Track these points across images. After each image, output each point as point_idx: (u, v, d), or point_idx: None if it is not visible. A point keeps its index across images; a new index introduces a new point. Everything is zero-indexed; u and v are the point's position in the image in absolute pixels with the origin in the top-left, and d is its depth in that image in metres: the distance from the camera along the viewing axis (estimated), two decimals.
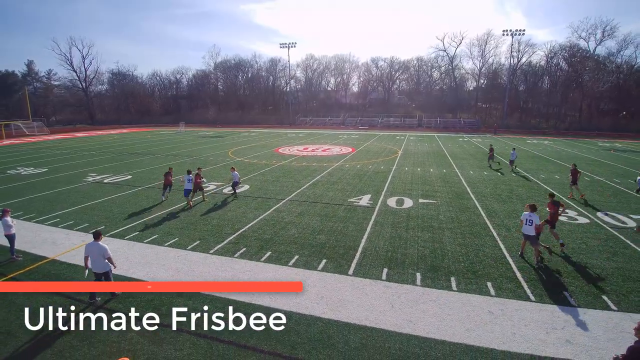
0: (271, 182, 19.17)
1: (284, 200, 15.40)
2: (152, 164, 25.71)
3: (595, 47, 73.45)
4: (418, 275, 8.89)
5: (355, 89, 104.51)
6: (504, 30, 68.70)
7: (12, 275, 9.09)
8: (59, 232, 11.90)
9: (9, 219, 9.69)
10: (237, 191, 16.16)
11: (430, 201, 15.41)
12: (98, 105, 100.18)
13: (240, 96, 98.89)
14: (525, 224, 9.49)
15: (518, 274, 9.03)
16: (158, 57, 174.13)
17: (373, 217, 13.09)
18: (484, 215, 13.65)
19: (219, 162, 25.91)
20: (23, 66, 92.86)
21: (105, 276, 7.66)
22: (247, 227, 12.18)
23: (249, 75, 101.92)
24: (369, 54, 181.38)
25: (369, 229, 11.95)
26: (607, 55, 73.02)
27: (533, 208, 9.57)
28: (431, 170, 22.78)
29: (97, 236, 7.76)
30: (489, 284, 8.51)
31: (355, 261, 9.61)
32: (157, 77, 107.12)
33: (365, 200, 15.47)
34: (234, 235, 11.40)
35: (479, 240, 11.15)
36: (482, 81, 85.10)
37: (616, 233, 11.79)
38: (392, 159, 27.84)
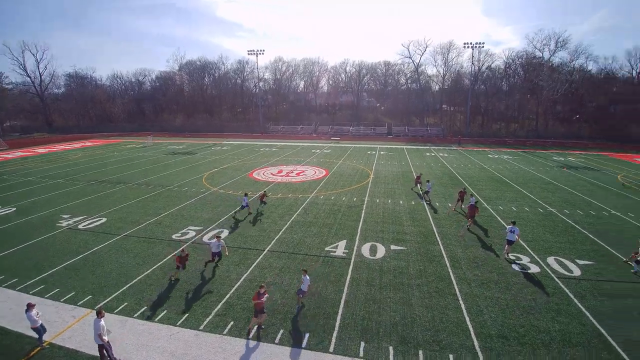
0: (250, 223, 19.80)
1: (265, 252, 16.13)
2: (125, 198, 25.37)
3: (550, 57, 79.09)
4: (391, 349, 10.02)
5: (324, 90, 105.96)
6: (464, 43, 72.69)
7: None
8: (46, 305, 11.98)
9: (33, 313, 9.90)
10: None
11: (401, 248, 16.71)
12: (55, 110, 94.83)
13: (207, 98, 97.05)
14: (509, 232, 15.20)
15: (476, 343, 10.38)
16: (116, 54, 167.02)
17: (349, 273, 14.16)
18: (448, 265, 15.09)
19: (193, 195, 26.03)
20: None
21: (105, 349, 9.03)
22: (232, 291, 12.85)
23: (216, 76, 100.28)
24: (338, 57, 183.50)
25: (345, 289, 13.00)
26: (560, 64, 78.91)
27: (514, 223, 15.73)
28: (401, 202, 24.24)
29: (97, 314, 9.32)
30: (451, 357, 9.79)
31: (335, 334, 10.60)
32: (118, 79, 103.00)
33: (341, 248, 16.51)
34: (221, 305, 12.05)
35: (444, 300, 12.49)
36: (446, 85, 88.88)
37: (562, 286, 13.50)
38: (365, 185, 29.13)
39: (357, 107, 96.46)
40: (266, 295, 10.60)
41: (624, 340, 10.48)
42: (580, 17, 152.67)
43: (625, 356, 9.84)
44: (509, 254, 15.94)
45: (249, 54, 80.00)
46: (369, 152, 49.75)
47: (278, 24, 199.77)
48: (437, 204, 24.11)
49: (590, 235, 18.56)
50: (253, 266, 14.78)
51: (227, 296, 12.56)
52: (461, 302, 12.39)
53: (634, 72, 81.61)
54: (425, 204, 23.97)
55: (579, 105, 77.00)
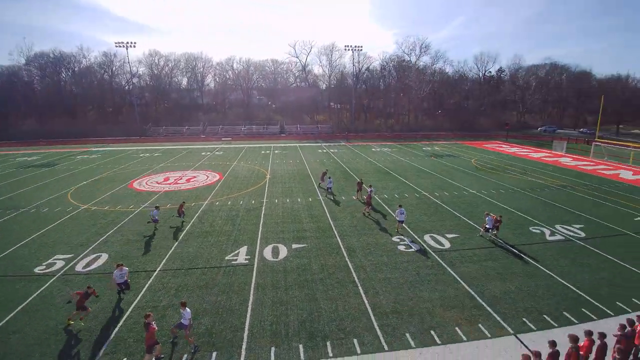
0: (134, 243, 17.50)
1: (156, 272, 14.53)
2: None
3: (416, 61, 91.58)
4: (301, 348, 10.19)
5: (211, 87, 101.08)
6: (345, 45, 78.17)
7: None
8: None
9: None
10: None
11: (302, 245, 17.12)
12: None
13: (66, 97, 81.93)
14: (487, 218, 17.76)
15: (375, 322, 11.35)
16: None
17: (253, 280, 13.84)
18: (346, 255, 16.11)
19: (58, 216, 21.76)
20: None
21: None
22: (121, 323, 11.20)
23: (76, 70, 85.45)
24: (223, 53, 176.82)
25: (251, 297, 12.67)
26: (424, 67, 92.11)
27: (400, 206, 18.89)
28: (299, 200, 24.81)
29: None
30: (355, 341, 10.49)
31: (244, 346, 10.25)
32: None
33: (242, 255, 16.01)
34: (110, 340, 10.40)
35: (345, 289, 13.29)
36: (332, 84, 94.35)
37: (438, 258, 15.80)
38: (262, 186, 28.84)
39: (248, 105, 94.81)
40: (152, 324, 9.37)
41: (488, 296, 12.86)
42: (439, 26, 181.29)
43: (490, 310, 12.06)
44: (399, 230, 19.05)
45: (117, 46, 70.65)
46: (263, 152, 49.45)
47: (153, 14, 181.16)
48: (332, 198, 25.46)
49: (455, 212, 22.20)
50: (144, 290, 13.16)
51: (116, 330, 10.91)
52: (360, 287, 13.38)
53: (480, 73, 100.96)
54: (322, 199, 25.05)
55: (440, 102, 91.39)
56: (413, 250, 16.75)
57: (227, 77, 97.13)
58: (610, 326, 10.94)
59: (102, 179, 32.16)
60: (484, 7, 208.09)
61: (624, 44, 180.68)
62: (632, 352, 9.41)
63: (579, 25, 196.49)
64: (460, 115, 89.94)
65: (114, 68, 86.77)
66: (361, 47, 78.25)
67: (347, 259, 15.77)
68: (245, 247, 16.93)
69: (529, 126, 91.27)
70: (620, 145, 46.08)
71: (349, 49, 77.04)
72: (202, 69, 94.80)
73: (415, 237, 18.30)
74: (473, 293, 13.10)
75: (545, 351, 8.67)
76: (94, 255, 16.07)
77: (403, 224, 19.15)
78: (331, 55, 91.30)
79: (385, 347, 10.26)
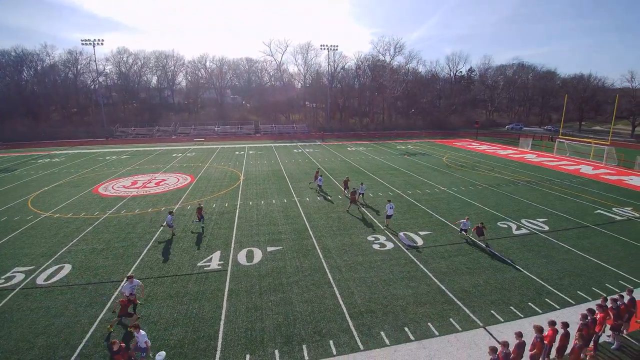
0: (100, 252, 16.70)
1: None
2: None
3: (390, 61, 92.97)
4: (276, 353, 10.07)
5: (183, 86, 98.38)
6: (321, 45, 78.23)
7: None
8: None
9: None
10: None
11: (277, 248, 16.95)
12: None
13: (28, 97, 77.28)
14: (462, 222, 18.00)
15: (350, 323, 11.40)
16: None
17: (227, 286, 13.55)
18: (321, 256, 16.10)
19: (17, 225, 20.46)
20: None
21: None
22: (86, 340, 10.64)
23: (39, 69, 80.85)
24: (195, 51, 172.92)
25: (225, 303, 12.40)
26: (398, 67, 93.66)
27: (389, 201, 19.58)
28: (274, 201, 24.56)
29: None
30: (331, 342, 10.49)
31: (218, 355, 10.00)
32: None
33: (215, 260, 15.65)
34: (75, 357, 9.83)
35: (320, 290, 13.27)
36: (307, 82, 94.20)
37: (411, 255, 16.08)
38: (236, 188, 28.34)
39: (222, 104, 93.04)
40: (119, 347, 8.87)
41: (459, 291, 13.21)
42: (413, 27, 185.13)
43: (460, 304, 12.39)
44: (388, 225, 19.75)
45: (83, 43, 67.39)
46: (237, 153, 48.63)
47: (123, 11, 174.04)
48: (308, 199, 25.41)
49: (427, 210, 22.70)
50: (110, 303, 12.59)
51: (80, 346, 10.35)
52: (335, 288, 13.41)
53: (451, 73, 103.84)
54: (297, 200, 24.93)
55: (414, 101, 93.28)
56: (387, 248, 16.97)
57: (200, 75, 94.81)
58: (572, 315, 11.55)
59: (65, 184, 30.54)
60: (456, 8, 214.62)
61: (588, 45, 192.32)
62: (592, 338, 9.95)
63: (547, 27, 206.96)
64: (432, 114, 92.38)
65: (79, 66, 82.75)
66: (337, 46, 78.73)
67: (322, 260, 15.76)
68: (219, 252, 16.55)
69: (497, 124, 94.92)
70: (581, 141, 48.72)
71: (324, 48, 77.22)
72: (173, 67, 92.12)
73: (389, 235, 18.56)
74: (444, 288, 13.43)
75: (513, 342, 8.99)
76: (57, 267, 15.21)
77: (390, 219, 19.79)
78: (307, 55, 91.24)
79: (361, 347, 10.32)
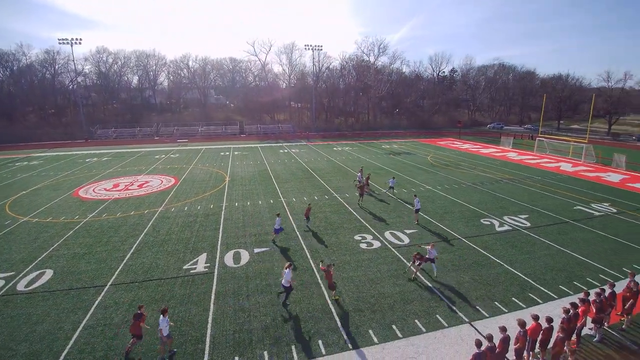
0: (82, 256, 16.22)
1: (107, 287, 13.57)
2: None
3: (374, 61, 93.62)
4: (265, 354, 10.00)
5: (165, 86, 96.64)
6: (305, 45, 78.04)
7: None
8: None
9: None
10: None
11: (265, 249, 16.84)
12: None
13: (3, 98, 74.45)
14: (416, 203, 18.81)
15: (338, 322, 11.43)
16: None
17: (214, 288, 13.36)
18: (309, 256, 16.07)
19: None
20: None
21: None
22: (69, 346, 10.30)
23: (15, 69, 78.03)
24: (178, 51, 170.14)
25: (212, 306, 12.22)
26: (382, 67, 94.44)
27: (432, 246, 14.51)
28: (260, 202, 24.38)
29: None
30: (320, 342, 10.48)
31: (206, 358, 9.85)
32: None
33: (201, 263, 15.42)
34: None
35: (309, 291, 13.24)
36: (292, 82, 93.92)
37: (398, 254, 16.22)
38: (221, 190, 28.00)
39: (205, 105, 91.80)
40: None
41: (445, 287, 13.40)
42: (396, 27, 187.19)
43: (446, 301, 12.58)
44: (417, 221, 20.40)
45: (60, 43, 65.31)
46: (222, 154, 48.07)
47: (102, 9, 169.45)
48: (294, 199, 25.32)
49: (413, 209, 22.91)
50: (93, 308, 12.23)
51: (64, 353, 10.02)
52: (323, 288, 13.40)
53: (434, 73, 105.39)
54: (283, 200, 24.82)
55: (398, 101, 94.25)
56: (374, 247, 17.08)
57: (182, 75, 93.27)
58: (555, 308, 11.87)
59: (44, 187, 29.52)
60: (439, 9, 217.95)
61: (568, 46, 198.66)
62: (575, 331, 10.25)
63: (528, 28, 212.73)
64: (416, 114, 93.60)
65: (57, 66, 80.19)
66: (321, 46, 78.80)
67: (310, 260, 15.73)
68: (205, 254, 16.31)
69: (480, 123, 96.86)
70: (560, 139, 50.19)
71: (309, 48, 77.07)
72: (154, 67, 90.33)
73: (377, 234, 18.68)
74: (430, 285, 13.60)
75: (498, 336, 9.17)
76: (38, 272, 14.70)
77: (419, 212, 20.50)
78: (291, 54, 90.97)
79: (350, 346, 10.35)
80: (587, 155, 42.23)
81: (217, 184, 30.06)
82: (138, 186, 29.40)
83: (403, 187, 28.40)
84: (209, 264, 15.31)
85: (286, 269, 12.14)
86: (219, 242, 17.64)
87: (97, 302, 12.55)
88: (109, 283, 13.86)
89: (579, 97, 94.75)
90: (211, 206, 23.64)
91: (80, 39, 65.87)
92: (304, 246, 17.23)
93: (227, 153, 48.55)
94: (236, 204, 24.01)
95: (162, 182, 30.88)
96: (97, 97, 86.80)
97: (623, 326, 11.21)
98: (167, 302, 12.47)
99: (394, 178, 27.03)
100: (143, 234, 18.86)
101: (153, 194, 26.81)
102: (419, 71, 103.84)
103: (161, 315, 9.76)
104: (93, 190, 28.26)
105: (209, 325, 11.25)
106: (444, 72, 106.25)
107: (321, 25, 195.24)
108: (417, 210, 20.17)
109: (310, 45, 76.94)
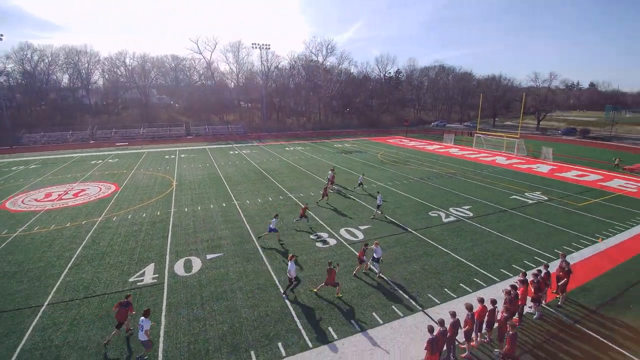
0: (12, 275, 14.42)
1: (44, 307, 12.22)
2: None
3: (323, 61, 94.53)
4: None
5: (100, 85, 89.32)
6: (252, 43, 76.37)
7: None
8: None
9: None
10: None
11: (218, 255, 16.23)
12: None
13: None
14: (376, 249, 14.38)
15: (298, 322, 11.37)
16: None
17: (165, 300, 12.60)
18: (265, 259, 15.80)
19: None
20: None
21: None
22: None
23: None
24: (113, 47, 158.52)
25: (163, 320, 11.52)
26: (331, 67, 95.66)
27: (376, 244, 14.40)
28: (211, 206, 23.49)
29: None
30: (280, 345, 10.35)
31: None
32: None
33: (149, 274, 14.47)
34: None
35: (266, 294, 13.01)
36: (241, 82, 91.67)
37: (353, 250, 16.52)
38: (168, 195, 26.53)
39: (147, 105, 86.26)
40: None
41: (399, 279, 13.91)
42: (343, 28, 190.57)
43: (401, 292, 13.06)
44: (382, 213, 21.20)
45: None
46: (167, 157, 45.57)
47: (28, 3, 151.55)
48: (248, 201, 24.77)
49: (366, 205, 23.57)
50: (30, 330, 10.94)
51: None
52: (281, 290, 13.24)
53: (381, 74, 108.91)
54: (236, 203, 24.15)
55: (348, 100, 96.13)
56: (329, 245, 17.26)
57: (119, 73, 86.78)
58: (497, 291, 12.85)
59: None
60: (382, 12, 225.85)
61: (499, 49, 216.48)
62: (517, 311, 11.18)
63: (464, 31, 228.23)
64: (366, 113, 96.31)
65: None
66: (269, 45, 77.77)
67: (266, 262, 15.48)
68: (152, 264, 15.32)
69: (425, 122, 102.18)
70: (495, 135, 54.56)
71: (256, 47, 75.74)
72: (87, 65, 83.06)
73: (332, 232, 18.89)
74: (385, 278, 14.06)
75: (449, 321, 9.71)
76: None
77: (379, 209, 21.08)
78: (238, 53, 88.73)
79: (310, 345, 10.34)
80: (519, 149, 46.42)
81: (163, 189, 28.42)
82: (73, 195, 26.84)
83: (356, 185, 29.04)
84: (157, 275, 14.41)
85: (290, 260, 12.75)
86: (168, 251, 16.68)
87: (33, 324, 11.25)
88: (46, 302, 12.50)
89: (511, 96, 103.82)
90: (158, 213, 22.30)
91: (1, 35, 58.62)
92: (259, 248, 16.91)
93: (173, 156, 46.14)
94: (186, 209, 22.90)
95: (100, 189, 28.50)
96: (22, 98, 77.82)
97: (559, 303, 12.46)
98: (112, 318, 11.52)
99: (363, 175, 29.07)
100: (81, 247, 17.26)
101: (91, 203, 24.65)
102: (366, 72, 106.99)
103: (142, 317, 9.75)
104: (22, 201, 25.28)
105: (161, 339, 10.59)
106: (390, 73, 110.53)
107: (269, 23, 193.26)
108: (378, 206, 20.94)
109: (258, 44, 75.77)
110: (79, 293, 13.13)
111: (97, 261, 15.68)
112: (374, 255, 14.20)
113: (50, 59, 78.92)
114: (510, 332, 9.06)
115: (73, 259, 15.89)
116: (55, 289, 13.45)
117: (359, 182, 27.67)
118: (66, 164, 40.95)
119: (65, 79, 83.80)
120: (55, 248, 17.10)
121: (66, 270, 14.91)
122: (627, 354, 10.06)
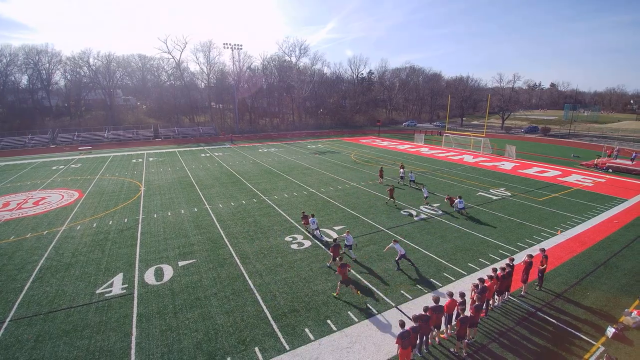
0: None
1: (6, 323, 11.51)
2: None
3: (296, 62, 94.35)
4: None
5: (61, 85, 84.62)
6: (224, 43, 75.25)
7: None
8: None
9: None
10: None
11: (190, 261, 15.91)
12: None
13: None
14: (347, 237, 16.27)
15: (274, 326, 11.39)
16: None
17: (135, 311, 12.22)
18: (239, 263, 15.66)
19: None
20: None
21: None
22: None
23: None
24: (75, 47, 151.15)
25: (134, 331, 11.17)
26: (304, 68, 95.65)
27: (347, 233, 16.38)
28: (182, 212, 22.95)
29: None
30: (257, 349, 10.33)
31: None
32: None
33: (117, 284, 13.97)
34: None
35: (241, 299, 12.92)
36: (212, 82, 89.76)
37: (328, 251, 16.68)
38: (136, 201, 25.65)
39: (112, 107, 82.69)
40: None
41: (372, 277, 14.21)
42: (315, 28, 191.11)
43: (375, 289, 13.34)
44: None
45: None
46: (134, 161, 43.96)
47: None
48: (221, 205, 24.39)
49: (340, 205, 23.85)
50: None
51: None
52: (257, 294, 13.20)
53: (354, 75, 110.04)
54: (209, 208, 23.73)
55: (322, 101, 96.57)
56: (305, 247, 17.35)
57: (82, 74, 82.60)
58: (466, 284, 13.42)
59: None
60: (351, 14, 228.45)
61: (466, 50, 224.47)
62: (485, 304, 11.74)
63: (433, 33, 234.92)
64: (339, 114, 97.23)
65: None
66: (241, 45, 76.86)
67: (241, 267, 15.35)
68: (121, 274, 14.80)
69: (396, 122, 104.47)
70: (463, 135, 56.65)
71: (228, 47, 74.55)
72: (47, 65, 78.51)
73: (307, 233, 18.99)
74: (360, 277, 14.34)
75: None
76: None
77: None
78: (209, 53, 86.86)
79: (287, 347, 10.39)
80: (484, 148, 48.45)
81: (130, 194, 27.44)
82: (33, 203, 25.37)
83: (330, 185, 29.31)
84: (126, 285, 13.94)
85: (346, 234, 16.10)
86: (137, 259, 16.16)
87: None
88: (8, 319, 11.78)
89: (478, 97, 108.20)
90: (125, 220, 21.53)
91: None
92: (233, 253, 16.74)
93: (141, 160, 44.57)
94: (155, 216, 22.25)
95: (63, 197, 27.10)
96: None
97: (522, 292, 13.21)
98: (80, 332, 11.07)
99: (403, 167, 31.08)
100: (44, 258, 16.39)
101: (53, 212, 23.42)
102: (339, 72, 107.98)
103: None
104: None
105: (133, 352, 10.28)
106: (362, 73, 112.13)
107: (240, 23, 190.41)
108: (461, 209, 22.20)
109: (229, 44, 74.74)
110: (43, 307, 12.48)
111: (61, 273, 14.96)
112: (346, 242, 15.95)
113: (8, 59, 74.04)
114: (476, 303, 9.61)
115: (35, 272, 15.07)
116: (17, 304, 12.70)
117: (400, 175, 30.14)
118: (25, 171, 38.58)
119: (24, 80, 78.93)
120: (15, 260, 16.13)
121: (29, 283, 14.13)
122: (584, 337, 10.84)
